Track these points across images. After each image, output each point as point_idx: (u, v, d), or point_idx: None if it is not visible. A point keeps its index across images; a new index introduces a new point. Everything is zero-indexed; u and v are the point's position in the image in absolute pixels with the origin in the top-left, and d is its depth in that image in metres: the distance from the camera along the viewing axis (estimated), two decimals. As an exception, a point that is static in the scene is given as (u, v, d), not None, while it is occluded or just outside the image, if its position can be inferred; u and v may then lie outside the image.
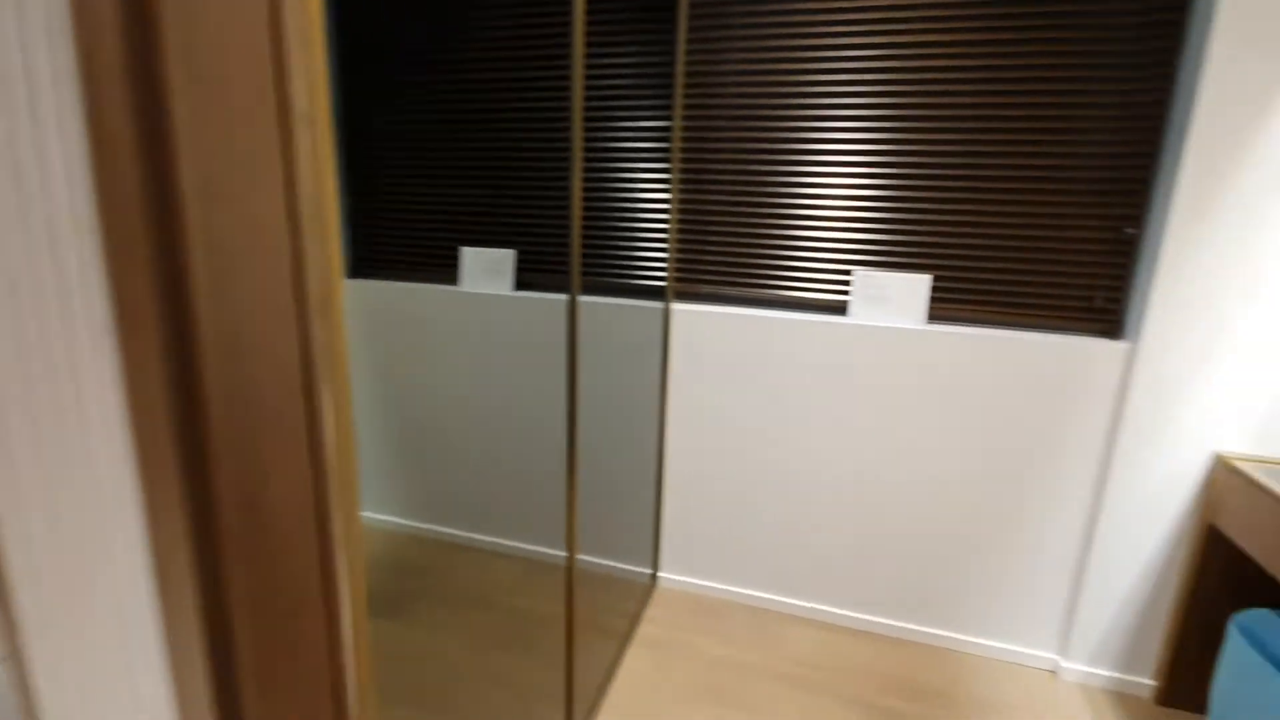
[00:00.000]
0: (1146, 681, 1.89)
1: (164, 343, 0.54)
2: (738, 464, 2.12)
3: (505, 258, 2.23)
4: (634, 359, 2.12)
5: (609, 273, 2.16)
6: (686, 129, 2.00)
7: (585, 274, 2.10)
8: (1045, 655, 1.99)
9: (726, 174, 1.99)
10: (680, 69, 1.94)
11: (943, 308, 1.90)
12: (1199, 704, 1.82)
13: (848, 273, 1.95)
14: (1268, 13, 1.47)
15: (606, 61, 2.01)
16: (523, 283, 2.25)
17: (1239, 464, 1.64)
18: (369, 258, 2.43)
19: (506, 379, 2.29)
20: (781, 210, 1.97)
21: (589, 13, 1.96)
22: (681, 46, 1.93)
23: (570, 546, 1.63)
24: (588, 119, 2.06)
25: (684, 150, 2.02)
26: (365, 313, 2.41)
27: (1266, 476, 1.56)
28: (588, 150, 2.08)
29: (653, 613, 2.18)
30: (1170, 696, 1.85)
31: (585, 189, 2.06)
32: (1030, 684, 1.94)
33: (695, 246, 2.07)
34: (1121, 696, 1.90)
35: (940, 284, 1.89)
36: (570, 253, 1.39)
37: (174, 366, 0.55)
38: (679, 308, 2.07)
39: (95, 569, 0.62)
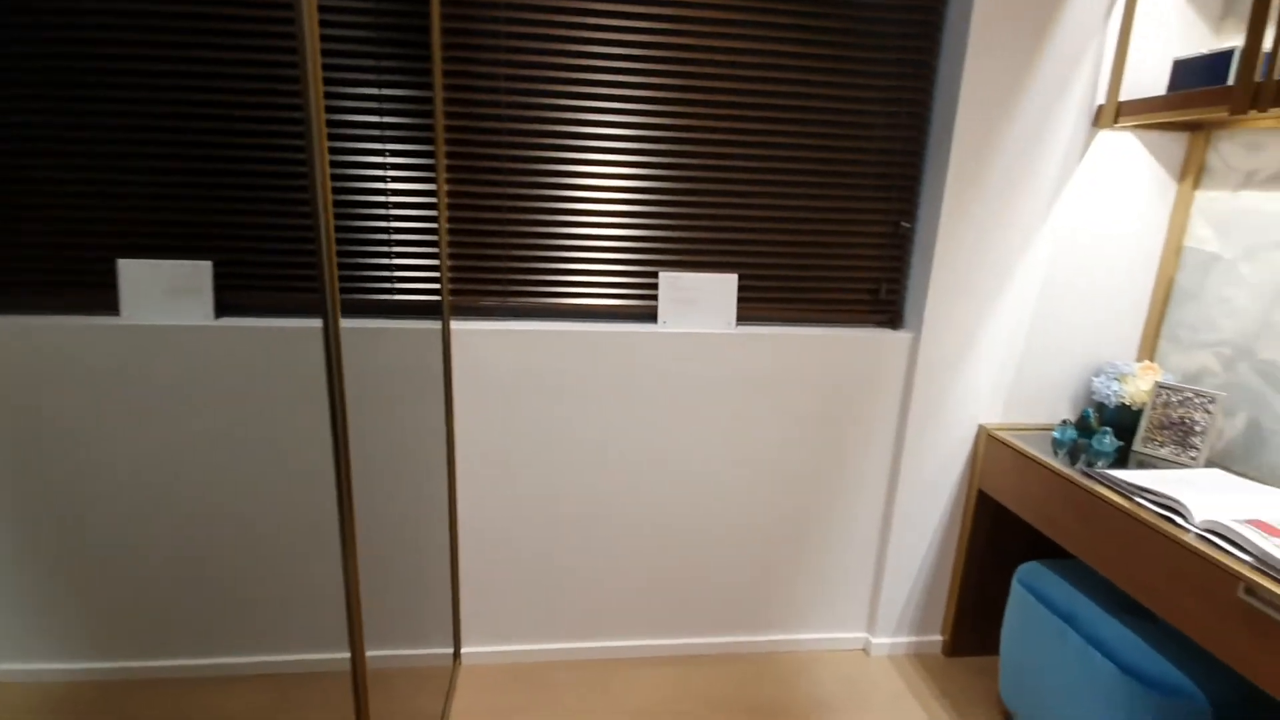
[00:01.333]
0: (937, 638, 2.05)
1: None
2: (541, 505, 1.81)
3: (197, 272, 1.58)
4: (409, 394, 1.66)
5: (364, 287, 1.66)
6: (451, 101, 1.59)
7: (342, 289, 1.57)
8: (858, 636, 2.06)
9: (503, 161, 1.63)
10: (436, 24, 1.51)
11: (749, 308, 1.80)
12: (978, 649, 2.03)
13: (653, 275, 1.74)
14: (1013, 14, 1.59)
15: (337, 4, 1.50)
16: (226, 305, 1.62)
17: (997, 432, 1.82)
18: (-57, 279, 1.55)
19: (223, 441, 1.64)
20: (572, 205, 1.68)
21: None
22: (434, -5, 1.51)
23: (355, 641, 1.16)
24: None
25: (449, 129, 1.60)
26: (-54, 366, 1.54)
27: (1019, 440, 1.75)
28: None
29: (464, 701, 1.76)
30: (955, 647, 2.03)
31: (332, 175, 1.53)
32: (846, 666, 1.98)
33: (472, 251, 1.68)
34: (919, 657, 2.04)
35: (745, 283, 1.78)
36: (322, 262, 0.93)
37: None
38: (460, 326, 1.67)
39: None
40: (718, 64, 1.63)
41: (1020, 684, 1.65)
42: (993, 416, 1.88)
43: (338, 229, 1.61)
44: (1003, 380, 1.85)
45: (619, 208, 1.69)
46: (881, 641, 2.02)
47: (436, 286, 1.67)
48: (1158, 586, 1.28)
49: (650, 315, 1.76)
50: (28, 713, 1.65)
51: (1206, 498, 1.34)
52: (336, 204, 1.59)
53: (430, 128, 1.58)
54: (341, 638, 1.79)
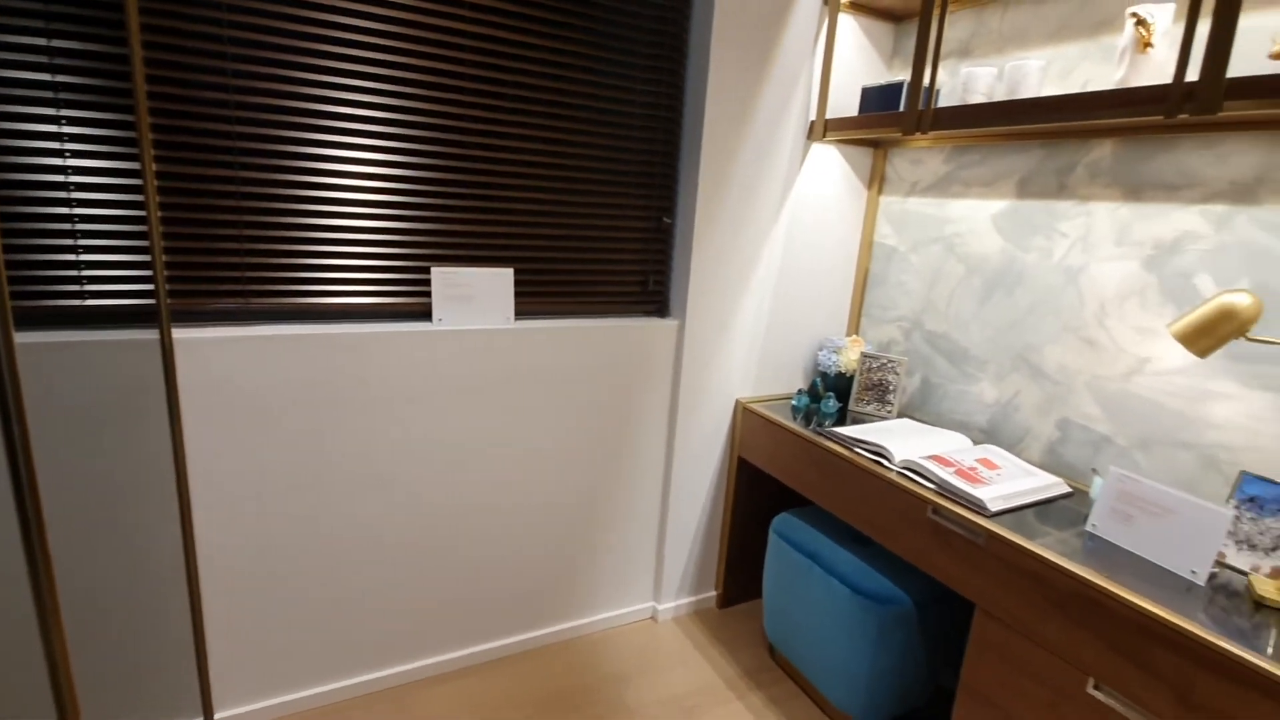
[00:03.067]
0: (712, 594, 2.28)
1: None
2: (304, 532, 1.61)
3: None
4: (123, 420, 1.35)
5: (46, 291, 1.30)
6: (154, 63, 1.31)
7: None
8: (646, 606, 2.20)
9: (233, 139, 1.40)
10: (125, -34, 1.23)
11: (526, 302, 1.80)
12: (746, 596, 2.31)
13: (426, 271, 1.64)
14: (743, 36, 1.80)
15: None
16: None
17: (749, 404, 2.07)
18: None
19: None
20: (331, 196, 1.50)
21: None
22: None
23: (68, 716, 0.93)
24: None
25: (154, 96, 1.32)
26: None
27: (767, 410, 2.01)
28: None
29: (219, 776, 1.50)
30: (727, 599, 2.28)
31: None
32: (637, 636, 2.11)
33: (197, 244, 1.42)
34: (698, 614, 2.25)
35: (521, 278, 1.77)
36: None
37: None
38: (185, 335, 1.40)
39: None
40: (485, 54, 1.59)
41: (780, 619, 1.91)
42: (746, 391, 2.13)
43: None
44: (752, 358, 2.11)
45: (384, 198, 1.56)
46: (666, 606, 2.19)
47: (150, 288, 1.38)
48: (875, 518, 1.58)
49: (425, 313, 1.66)
50: None
51: (903, 441, 1.68)
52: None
53: (127, 93, 1.29)
54: (49, 711, 1.40)
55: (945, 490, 1.44)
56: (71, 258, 1.31)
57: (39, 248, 1.28)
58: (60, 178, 1.27)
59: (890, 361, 2.00)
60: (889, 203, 2.10)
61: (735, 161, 1.89)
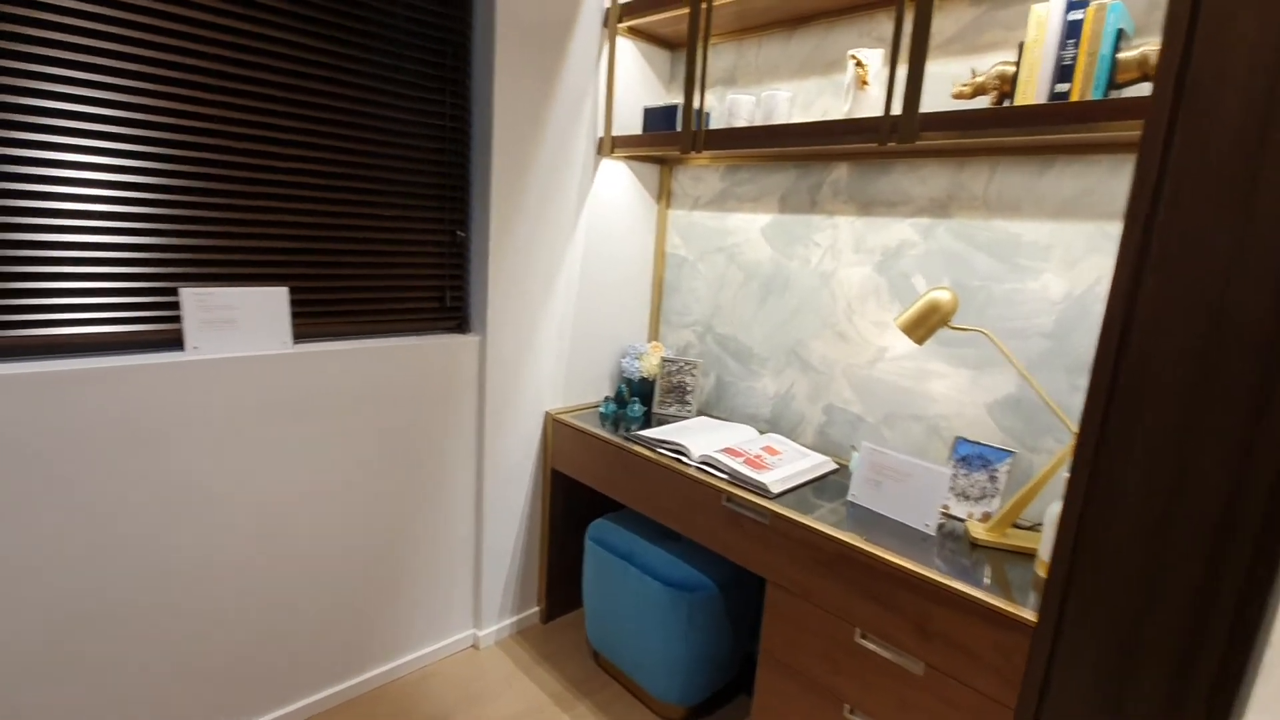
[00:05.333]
0: (535, 609, 2.26)
1: None
2: (46, 611, 1.32)
3: None
4: None
5: None
6: None
7: None
8: (467, 634, 2.11)
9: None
10: None
11: (308, 324, 1.64)
12: (570, 606, 2.32)
13: (174, 293, 1.43)
14: (528, 50, 1.82)
15: None
16: None
17: (559, 415, 2.09)
18: None
19: None
20: (34, 205, 1.25)
21: None
22: None
23: None
24: None
25: None
26: None
27: (576, 419, 2.05)
28: None
29: None
30: (551, 613, 2.27)
31: None
32: (459, 667, 2.02)
33: None
34: (523, 633, 2.21)
35: (301, 298, 1.62)
36: None
37: None
38: None
39: None
40: (243, 50, 1.43)
41: (602, 624, 1.94)
42: (555, 402, 2.14)
43: None
44: (559, 369, 2.13)
45: (116, 209, 1.33)
46: (488, 632, 2.12)
47: None
48: (679, 513, 1.68)
49: (175, 341, 1.45)
50: None
51: (700, 438, 1.80)
52: None
53: None
54: None
55: (736, 479, 1.57)
56: None
57: None
58: None
59: (688, 364, 2.14)
60: (677, 215, 2.25)
61: (529, 175, 1.90)
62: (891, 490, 1.44)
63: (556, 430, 2.09)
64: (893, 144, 1.38)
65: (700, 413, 2.17)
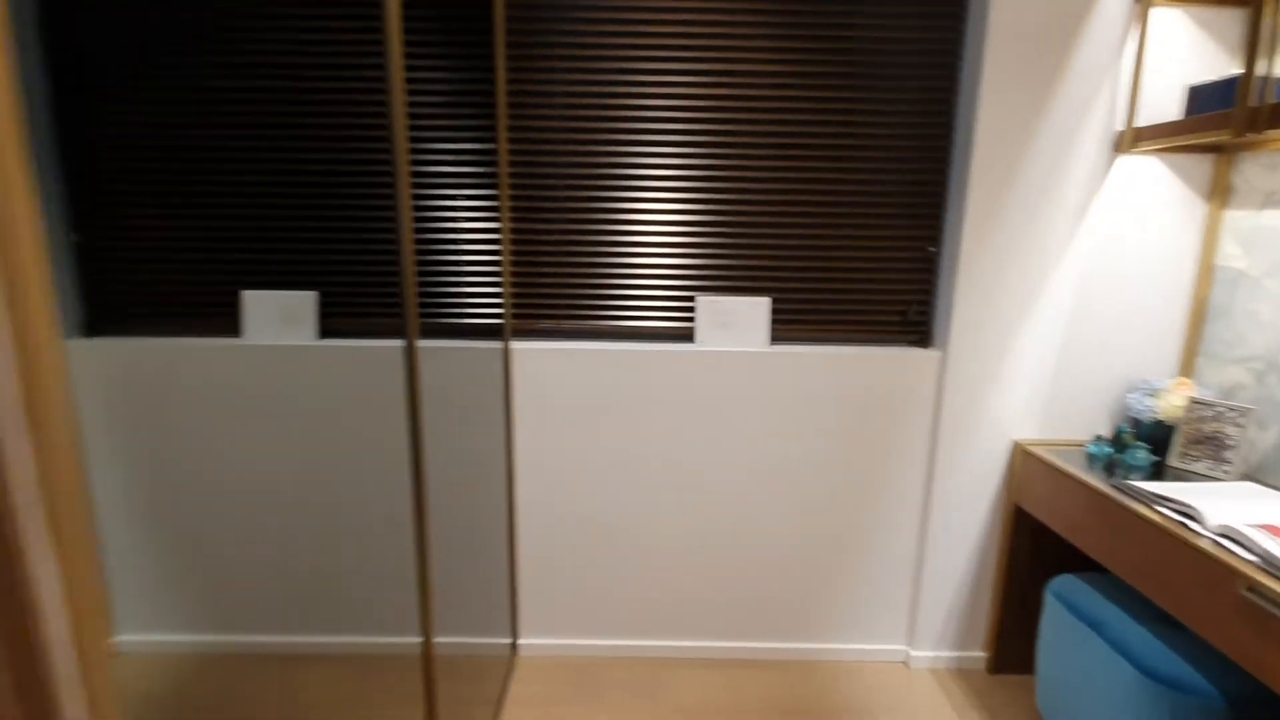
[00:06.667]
0: (979, 654, 2.07)
1: None
2: (593, 508, 1.98)
3: (304, 301, 1.87)
4: (475, 406, 1.88)
5: (440, 312, 1.91)
6: (513, 152, 1.84)
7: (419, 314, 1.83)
8: (897, 648, 2.11)
9: (557, 200, 1.86)
10: (501, 88, 1.78)
11: (782, 329, 1.95)
12: (1022, 666, 2.04)
13: (691, 299, 1.92)
14: (1026, 52, 1.71)
15: (420, 76, 1.78)
16: (328, 330, 1.91)
17: (1032, 448, 1.86)
18: (107, 309, 1.90)
19: (320, 445, 1.92)
20: (618, 238, 1.89)
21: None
22: (501, 64, 1.78)
23: (426, 629, 1.35)
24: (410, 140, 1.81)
25: (512, 175, 1.85)
26: (106, 381, 1.88)
27: (1053, 456, 1.79)
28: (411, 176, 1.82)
29: (519, 689, 1.93)
30: (999, 664, 2.04)
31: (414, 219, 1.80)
32: (887, 677, 2.03)
33: (531, 279, 1.91)
34: (961, 672, 2.06)
35: (778, 306, 1.93)
36: (403, 291, 1.16)
37: None
38: (519, 346, 1.89)
39: None
40: (753, 109, 1.82)
41: (1054, 694, 1.67)
42: (1027, 432, 1.93)
43: (417, 263, 1.87)
44: (1036, 397, 1.91)
45: (662, 239, 1.89)
46: (922, 655, 2.06)
47: (500, 311, 1.90)
48: (1175, 589, 1.32)
49: (688, 336, 1.94)
50: (146, 678, 1.93)
51: (1225, 504, 1.37)
52: (416, 242, 1.85)
53: (495, 175, 1.83)
54: (413, 624, 2.00)
55: (1270, 564, 1.16)
56: (457, 289, 1.89)
57: (440, 282, 1.89)
58: (454, 235, 1.86)
59: (1233, 410, 1.63)
60: (1236, 218, 1.72)
61: (1012, 187, 1.77)
62: None
63: (1025, 463, 1.88)
64: None
65: (1246, 477, 1.62)
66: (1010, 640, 2.02)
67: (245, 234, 1.86)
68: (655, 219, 1.88)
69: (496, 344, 1.89)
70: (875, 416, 1.94)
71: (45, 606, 0.40)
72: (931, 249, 1.92)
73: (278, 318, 1.87)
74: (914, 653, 2.07)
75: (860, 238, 1.90)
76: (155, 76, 1.77)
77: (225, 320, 1.89)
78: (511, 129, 1.82)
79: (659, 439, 1.94)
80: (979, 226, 1.80)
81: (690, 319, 1.93)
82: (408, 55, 1.76)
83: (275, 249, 1.87)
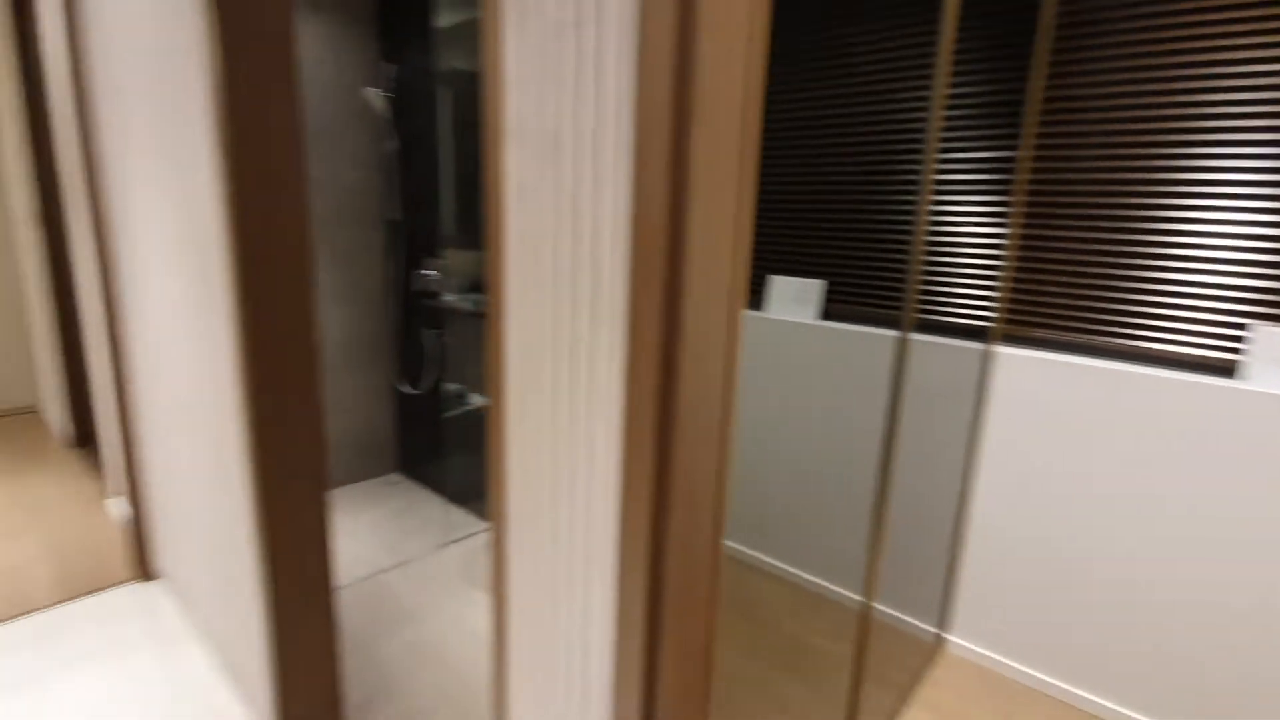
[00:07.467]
0: None
1: (660, 341, 0.69)
2: (1062, 528, 1.88)
3: (813, 287, 2.29)
4: (948, 401, 2.01)
5: (932, 310, 2.09)
6: (1037, 159, 1.85)
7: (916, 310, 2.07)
8: None
9: (1081, 208, 1.80)
10: (1035, 96, 1.81)
11: (1398, 382, 1.47)
12: None
13: (1241, 327, 1.62)
14: None
15: (956, 93, 1.96)
16: (828, 313, 2.29)
17: None
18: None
19: (815, 410, 2.34)
20: (1151, 250, 1.71)
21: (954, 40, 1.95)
22: (1039, 72, 1.80)
23: (869, 591, 1.61)
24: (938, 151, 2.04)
25: (1031, 183, 1.87)
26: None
27: None
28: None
29: (937, 675, 2.03)
30: None
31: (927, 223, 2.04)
32: None
33: (1032, 286, 1.90)
34: None
35: (1396, 351, 1.46)
36: (906, 288, 1.39)
37: (663, 370, 0.70)
38: (1005, 351, 1.92)
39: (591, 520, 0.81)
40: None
41: None
42: None
43: (922, 263, 2.08)
44: None
45: (1209, 253, 1.64)
46: None
47: (990, 314, 1.96)
48: None
49: (1228, 370, 1.64)
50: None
51: None
52: (926, 244, 2.06)
53: (1010, 181, 1.88)
54: (855, 581, 2.28)
55: None
56: (954, 289, 2.02)
57: (937, 282, 2.05)
58: (959, 240, 1.99)
59: None
60: None
61: None
62: None
63: None
64: None
65: None
66: None
67: (780, 230, 2.37)
68: (1206, 229, 1.63)
69: (978, 345, 1.96)
70: None
71: (727, 446, 0.78)
72: None
73: (791, 298, 2.34)
74: None
75: None
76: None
77: (754, 297, 2.46)
78: (1040, 135, 1.84)
79: (1170, 484, 1.71)
80: None
81: (1235, 350, 1.63)
82: (952, 73, 1.95)
83: (798, 242, 2.33)
